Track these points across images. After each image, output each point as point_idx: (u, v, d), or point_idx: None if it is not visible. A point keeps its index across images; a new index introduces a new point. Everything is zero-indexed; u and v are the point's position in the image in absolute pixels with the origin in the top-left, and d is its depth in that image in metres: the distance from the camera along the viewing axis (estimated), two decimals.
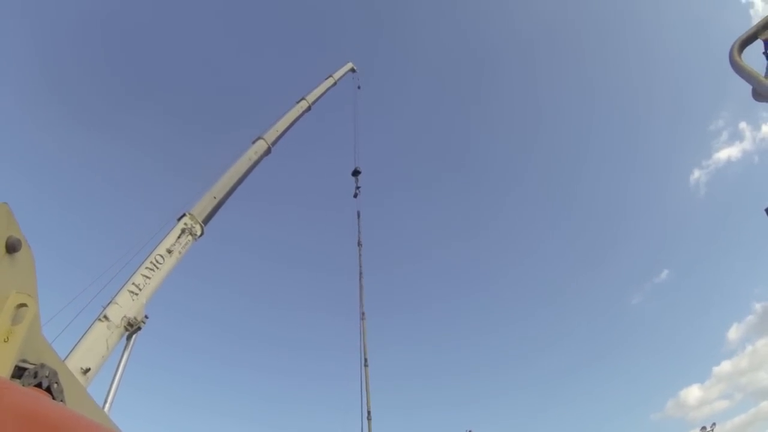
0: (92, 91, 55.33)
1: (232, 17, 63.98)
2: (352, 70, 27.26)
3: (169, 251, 11.35)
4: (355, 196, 22.33)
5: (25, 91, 47.03)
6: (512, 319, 72.19)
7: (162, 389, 55.54)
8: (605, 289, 75.44)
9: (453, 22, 72.25)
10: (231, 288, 65.47)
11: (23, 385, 1.26)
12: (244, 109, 64.23)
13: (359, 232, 20.22)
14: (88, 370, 8.40)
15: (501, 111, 76.04)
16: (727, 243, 72.80)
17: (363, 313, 17.06)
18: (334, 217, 60.37)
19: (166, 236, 11.66)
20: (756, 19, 3.07)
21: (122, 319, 9.52)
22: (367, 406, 14.51)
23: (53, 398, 1.35)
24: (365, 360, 15.64)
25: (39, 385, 1.32)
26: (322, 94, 21.75)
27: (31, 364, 1.34)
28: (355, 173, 23.24)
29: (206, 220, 13.01)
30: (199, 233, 12.57)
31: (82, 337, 8.86)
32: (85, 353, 8.59)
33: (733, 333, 65.67)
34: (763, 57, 2.84)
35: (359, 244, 19.82)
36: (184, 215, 12.38)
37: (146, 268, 10.59)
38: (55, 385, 1.38)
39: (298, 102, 19.74)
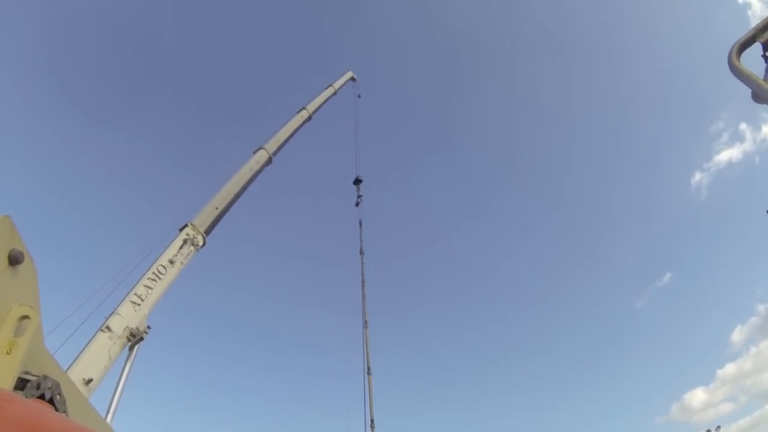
0: (94, 90, 55.51)
1: (235, 25, 64.62)
2: (352, 79, 27.42)
3: (171, 262, 11.37)
4: (357, 204, 22.21)
5: (30, 91, 47.43)
6: (514, 323, 71.97)
7: (162, 389, 55.48)
8: (608, 294, 75.27)
9: (447, 22, 72.77)
10: (231, 288, 65.35)
11: (26, 397, 1.26)
12: (246, 112, 64.83)
13: (361, 240, 20.15)
14: (90, 380, 8.36)
15: (503, 111, 76.44)
16: (729, 245, 72.69)
17: (366, 322, 16.97)
18: (337, 213, 60.35)
19: (168, 247, 11.69)
20: (754, 20, 3.09)
21: (125, 329, 9.50)
22: (371, 414, 14.42)
23: (56, 410, 1.35)
24: (368, 368, 15.56)
25: (42, 397, 1.32)
26: (323, 104, 21.86)
27: (33, 375, 1.34)
28: (357, 182, 23.10)
29: (208, 231, 13.04)
30: (201, 244, 12.60)
31: (85, 347, 8.85)
32: (88, 364, 8.57)
33: (737, 335, 65.62)
34: (762, 60, 2.85)
35: (361, 252, 19.72)
36: (186, 225, 12.42)
37: (148, 278, 10.59)
38: (58, 397, 1.38)
39: (298, 111, 19.84)
